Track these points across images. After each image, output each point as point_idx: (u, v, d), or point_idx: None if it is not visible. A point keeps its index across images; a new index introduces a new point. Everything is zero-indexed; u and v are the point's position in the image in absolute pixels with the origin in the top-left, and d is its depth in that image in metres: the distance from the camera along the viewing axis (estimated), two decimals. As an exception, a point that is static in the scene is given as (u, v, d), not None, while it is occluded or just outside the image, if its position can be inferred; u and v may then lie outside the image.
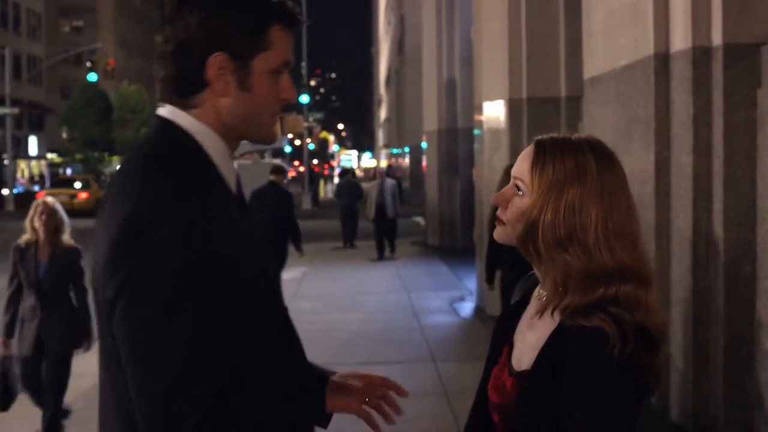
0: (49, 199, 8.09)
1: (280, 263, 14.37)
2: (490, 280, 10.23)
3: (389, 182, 23.88)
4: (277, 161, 24.57)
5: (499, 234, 2.54)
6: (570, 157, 2.42)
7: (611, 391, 2.29)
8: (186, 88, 2.26)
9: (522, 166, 2.48)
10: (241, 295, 2.11)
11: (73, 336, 8.06)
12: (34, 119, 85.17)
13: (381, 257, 22.71)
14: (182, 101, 2.27)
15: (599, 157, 2.43)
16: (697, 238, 6.41)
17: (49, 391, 8.08)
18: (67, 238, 8.01)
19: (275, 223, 13.89)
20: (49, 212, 7.88)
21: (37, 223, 7.87)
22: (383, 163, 74.94)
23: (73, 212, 47.55)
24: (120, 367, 2.13)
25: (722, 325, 6.21)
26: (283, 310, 2.39)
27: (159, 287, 2.02)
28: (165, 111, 2.30)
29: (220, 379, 2.05)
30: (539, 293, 2.55)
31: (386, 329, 13.62)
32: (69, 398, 9.54)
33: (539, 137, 2.51)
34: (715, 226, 6.29)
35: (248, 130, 2.32)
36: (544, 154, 2.45)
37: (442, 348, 12.01)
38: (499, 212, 2.53)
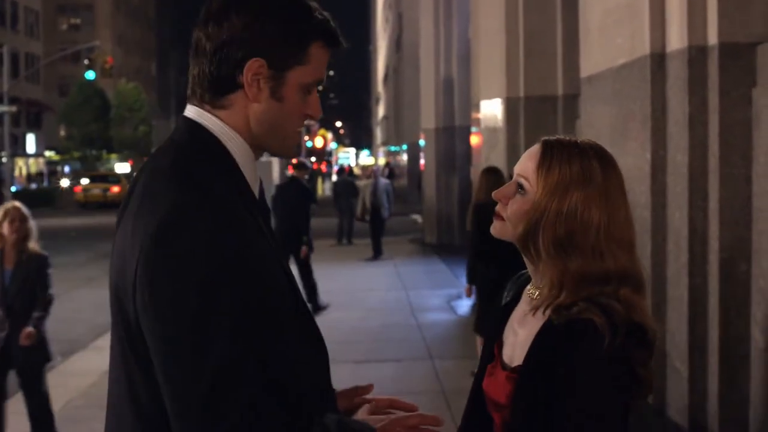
0: (19, 204, 7.68)
1: (293, 255, 14.89)
2: (470, 280, 10.38)
3: (383, 182, 23.61)
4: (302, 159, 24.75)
5: (497, 229, 2.56)
6: (576, 160, 2.43)
7: (601, 381, 2.31)
8: (219, 88, 2.25)
9: (527, 165, 2.49)
10: (270, 301, 2.13)
11: (45, 350, 7.68)
12: (31, 117, 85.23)
13: (377, 257, 22.50)
14: (213, 100, 2.27)
15: (604, 164, 2.45)
16: (693, 237, 6.43)
17: (33, 426, 7.69)
18: (33, 244, 7.56)
19: (292, 217, 14.78)
20: (21, 218, 7.47)
21: (6, 230, 7.43)
22: (381, 161, 74.92)
23: (107, 204, 48.38)
24: (142, 372, 2.14)
25: (718, 322, 6.24)
26: (307, 313, 2.38)
27: (192, 293, 2.03)
28: (192, 113, 2.30)
29: (254, 387, 2.05)
30: (530, 291, 2.57)
31: (384, 327, 13.64)
32: (67, 397, 9.57)
33: (546, 138, 2.53)
34: (711, 225, 6.31)
35: (271, 140, 2.32)
36: (551, 155, 2.46)
37: (440, 346, 12.02)
38: (498, 208, 2.54)
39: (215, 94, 2.26)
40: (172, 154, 2.25)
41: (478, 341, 9.92)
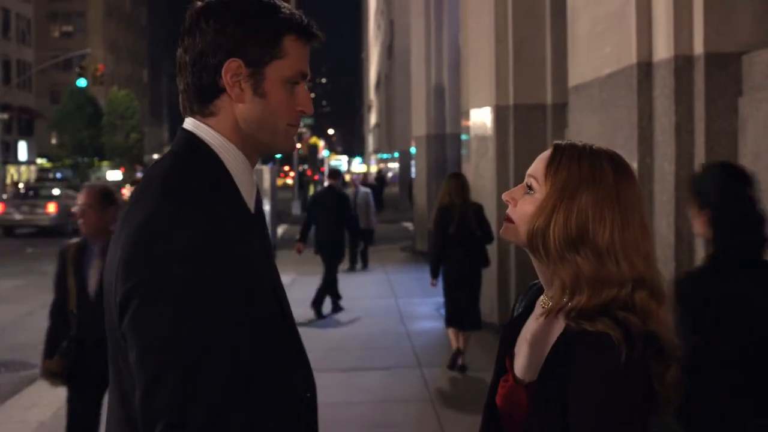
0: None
1: (338, 258, 16.02)
2: (434, 274, 11.19)
3: (362, 190, 23.10)
4: (334, 165, 24.41)
5: (506, 231, 2.51)
6: (587, 161, 2.40)
7: (616, 396, 2.23)
8: (204, 95, 2.31)
9: (538, 166, 2.47)
10: (248, 310, 2.15)
11: None
12: (23, 124, 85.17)
13: (353, 268, 21.78)
14: (201, 109, 2.33)
15: (617, 168, 2.41)
16: (680, 244, 6.46)
17: None
18: None
19: (335, 222, 15.74)
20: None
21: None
22: (373, 168, 74.88)
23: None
24: (126, 363, 2.17)
25: (704, 331, 6.26)
26: (291, 325, 2.40)
27: (167, 296, 2.06)
28: (188, 124, 2.36)
29: (224, 389, 2.08)
30: (543, 300, 2.51)
31: (373, 335, 13.64)
32: (56, 405, 9.55)
33: (558, 141, 2.51)
34: (697, 233, 6.34)
35: (264, 137, 2.36)
36: (560, 155, 2.44)
37: (429, 354, 12.01)
38: (508, 210, 2.51)
39: (202, 103, 2.32)
40: (168, 164, 2.31)
41: (451, 333, 11.25)
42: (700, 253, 6.24)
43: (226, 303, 2.10)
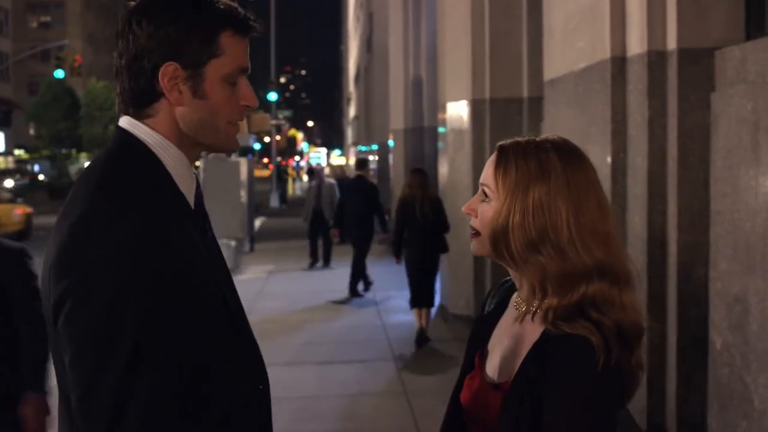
0: None
1: (367, 246, 16.97)
2: (397, 257, 12.81)
3: (327, 183, 22.01)
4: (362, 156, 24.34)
5: (475, 248, 2.50)
6: (533, 157, 2.38)
7: (597, 403, 2.24)
8: (141, 100, 2.27)
9: (487, 173, 2.45)
10: (181, 307, 2.11)
11: None
12: (1, 115, 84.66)
13: (313, 265, 21.41)
14: (139, 112, 2.28)
15: (564, 155, 2.40)
16: (652, 240, 6.49)
17: None
18: None
19: (365, 211, 16.87)
20: None
21: None
22: (351, 161, 74.76)
23: None
24: (64, 365, 2.14)
25: (676, 324, 6.30)
26: (236, 319, 2.36)
27: (99, 297, 2.03)
28: (124, 122, 2.31)
29: (159, 387, 2.05)
30: (516, 300, 2.50)
31: (349, 328, 13.67)
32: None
33: (501, 142, 2.49)
34: (670, 228, 6.37)
35: (205, 137, 2.32)
36: (506, 157, 2.41)
37: (404, 347, 12.06)
38: (472, 222, 2.49)
39: (139, 107, 2.28)
40: (102, 162, 2.27)
41: (415, 313, 12.55)
42: (672, 248, 6.29)
43: (161, 300, 2.07)
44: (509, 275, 2.61)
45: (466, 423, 2.55)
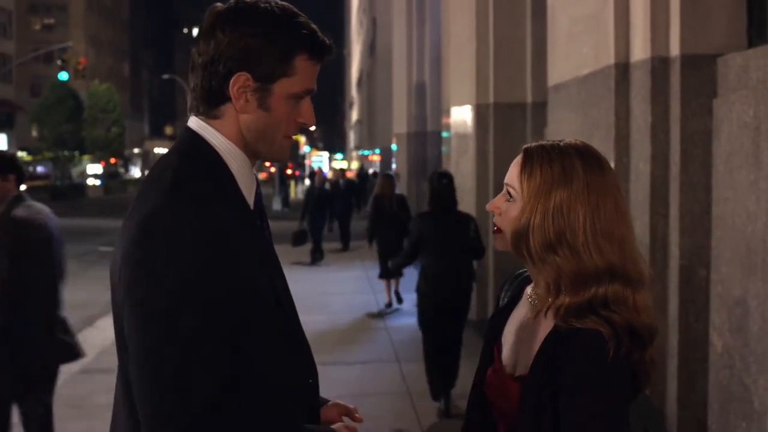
0: None
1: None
2: (369, 241, 16.84)
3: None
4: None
5: (498, 243, 2.61)
6: (557, 161, 2.47)
7: (609, 392, 2.34)
8: (210, 99, 2.37)
9: (512, 173, 2.55)
10: (242, 304, 2.21)
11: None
12: (3, 117, 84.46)
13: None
14: (207, 111, 2.39)
15: (586, 161, 2.48)
16: (654, 243, 6.53)
17: None
18: None
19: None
20: None
21: None
22: (354, 165, 74.74)
23: None
24: (128, 357, 2.23)
25: (677, 327, 6.34)
26: (290, 318, 2.47)
27: (165, 289, 2.12)
28: (193, 124, 2.41)
29: (216, 381, 2.14)
30: (530, 294, 2.61)
31: (352, 330, 13.73)
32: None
33: (527, 145, 2.59)
34: (672, 232, 6.42)
35: (261, 146, 2.42)
36: (531, 160, 2.51)
37: (407, 348, 12.07)
38: (495, 220, 2.60)
39: (208, 106, 2.37)
40: (173, 163, 2.35)
41: (384, 284, 16.06)
42: (674, 251, 6.35)
43: (220, 302, 2.16)
44: (509, 278, 2.79)
45: (495, 416, 2.65)
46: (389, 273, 15.43)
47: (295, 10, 2.40)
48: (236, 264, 2.21)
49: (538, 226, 2.44)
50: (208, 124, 2.38)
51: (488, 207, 2.62)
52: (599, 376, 2.33)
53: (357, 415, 2.75)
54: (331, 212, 23.04)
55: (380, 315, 15.16)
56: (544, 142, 2.57)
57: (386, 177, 16.98)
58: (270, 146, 2.43)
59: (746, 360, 5.57)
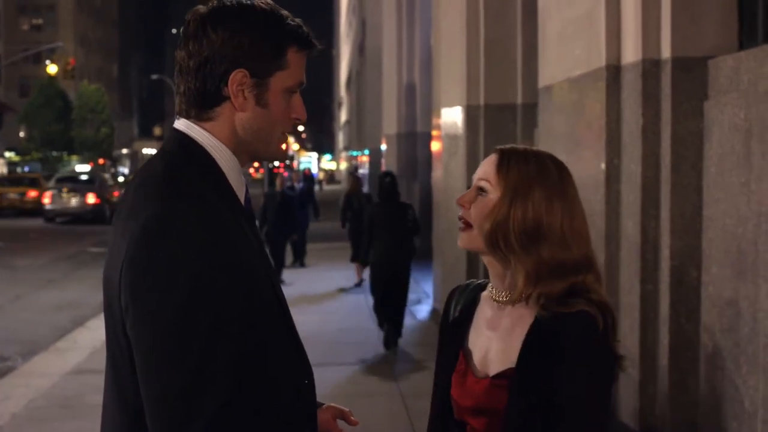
0: None
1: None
2: (342, 225, 19.89)
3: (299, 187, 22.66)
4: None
5: (464, 240, 2.65)
6: (533, 161, 2.60)
7: (604, 369, 2.48)
8: (205, 102, 2.37)
9: (486, 169, 2.62)
10: (249, 303, 2.23)
11: None
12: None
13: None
14: (200, 113, 2.39)
15: (558, 166, 2.62)
16: (645, 245, 6.56)
17: None
18: None
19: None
20: None
21: None
22: (343, 165, 74.76)
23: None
24: (128, 367, 2.23)
25: (668, 328, 6.37)
26: (288, 319, 2.47)
27: (173, 294, 2.13)
28: (181, 125, 2.42)
29: (230, 384, 2.15)
30: (493, 293, 2.67)
31: (343, 331, 13.72)
32: (29, 397, 9.59)
33: (500, 146, 2.68)
34: (663, 233, 6.44)
35: (259, 145, 2.43)
36: (508, 158, 2.61)
37: (398, 349, 12.12)
38: (462, 214, 2.64)
39: (202, 108, 2.38)
40: (164, 163, 2.36)
41: (356, 266, 17.67)
42: (665, 252, 6.39)
43: (230, 301, 2.17)
44: (453, 291, 2.91)
45: (468, 419, 2.66)
46: (359, 255, 15.47)
47: (276, 5, 2.44)
48: (241, 264, 2.23)
49: (519, 219, 2.53)
50: (199, 125, 2.39)
51: (458, 201, 2.67)
52: (601, 354, 2.46)
53: (352, 418, 2.79)
54: (292, 222, 20.04)
55: (348, 290, 17.79)
56: (516, 146, 2.68)
57: (355, 178, 20.72)
58: (267, 144, 2.44)
59: (737, 360, 5.61)
